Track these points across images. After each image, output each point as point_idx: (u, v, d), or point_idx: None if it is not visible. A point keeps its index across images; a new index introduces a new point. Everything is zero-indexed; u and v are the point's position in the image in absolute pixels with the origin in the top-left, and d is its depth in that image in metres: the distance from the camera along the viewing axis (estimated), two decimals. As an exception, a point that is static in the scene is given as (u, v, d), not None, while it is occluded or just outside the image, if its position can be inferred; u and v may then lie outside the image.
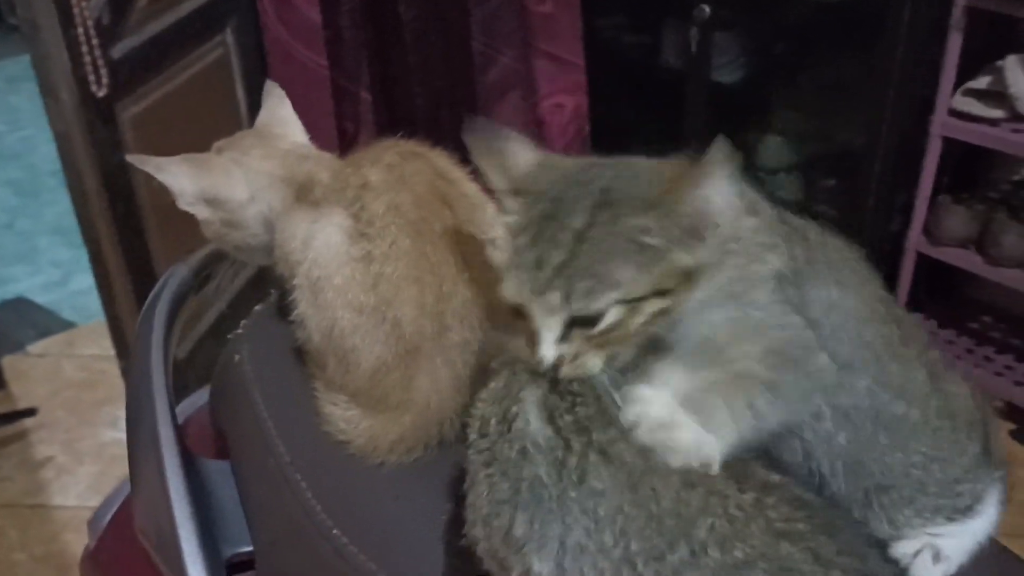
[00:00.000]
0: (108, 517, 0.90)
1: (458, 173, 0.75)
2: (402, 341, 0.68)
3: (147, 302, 0.84)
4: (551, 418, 0.53)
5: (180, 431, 0.77)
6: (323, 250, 0.70)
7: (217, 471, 0.78)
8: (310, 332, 0.72)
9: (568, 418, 0.53)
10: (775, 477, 0.54)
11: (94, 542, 0.89)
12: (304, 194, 0.74)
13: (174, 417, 0.77)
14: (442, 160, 0.75)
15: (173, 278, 0.87)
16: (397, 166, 0.73)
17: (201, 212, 0.77)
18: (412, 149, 0.76)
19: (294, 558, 0.69)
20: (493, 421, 0.54)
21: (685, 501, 0.51)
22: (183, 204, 0.77)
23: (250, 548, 0.73)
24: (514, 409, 0.53)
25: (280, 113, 0.83)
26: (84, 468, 2.06)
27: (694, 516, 0.51)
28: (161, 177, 0.76)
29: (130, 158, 0.77)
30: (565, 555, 0.51)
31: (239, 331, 0.84)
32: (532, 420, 0.53)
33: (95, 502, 0.94)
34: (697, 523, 0.50)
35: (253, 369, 0.79)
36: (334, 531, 0.65)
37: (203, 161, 0.77)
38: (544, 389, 0.54)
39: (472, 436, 0.56)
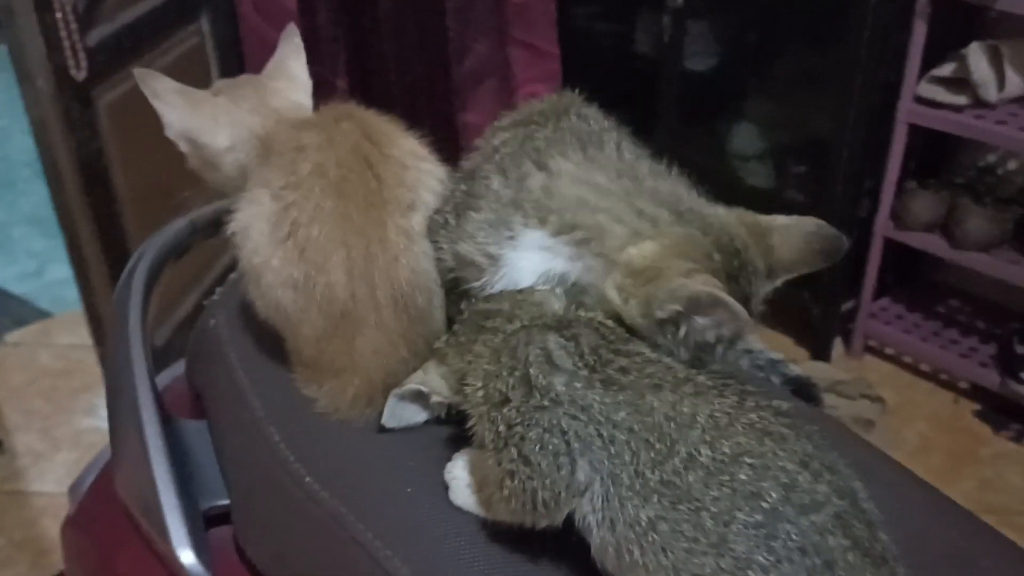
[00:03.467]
0: (88, 484, 0.92)
1: (389, 134, 0.75)
2: (336, 305, 0.69)
3: (126, 269, 0.86)
4: (562, 368, 0.57)
5: (158, 392, 0.79)
6: (259, 239, 0.71)
7: (194, 430, 0.80)
8: (261, 312, 0.73)
9: (572, 362, 0.57)
10: (750, 387, 0.58)
11: (75, 508, 0.91)
12: (267, 155, 0.74)
13: (152, 379, 0.79)
14: (374, 121, 0.75)
15: (151, 246, 0.89)
16: (328, 128, 0.73)
17: (183, 146, 0.78)
18: (347, 111, 0.76)
19: (268, 506, 0.71)
20: (511, 389, 0.57)
21: (678, 408, 0.55)
22: (168, 133, 0.78)
23: (226, 501, 0.75)
24: (532, 372, 0.57)
25: (289, 65, 0.83)
26: (61, 455, 2.06)
27: (687, 421, 0.54)
28: (155, 103, 0.77)
29: (137, 72, 0.77)
30: (607, 484, 0.55)
31: (214, 298, 0.86)
32: (550, 374, 0.57)
33: (72, 488, 0.96)
34: (690, 426, 0.54)
35: (228, 332, 0.80)
36: (307, 479, 0.67)
37: (197, 100, 0.78)
38: (543, 345, 0.58)
39: (483, 410, 0.59)
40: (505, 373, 0.58)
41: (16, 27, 1.63)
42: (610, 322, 0.61)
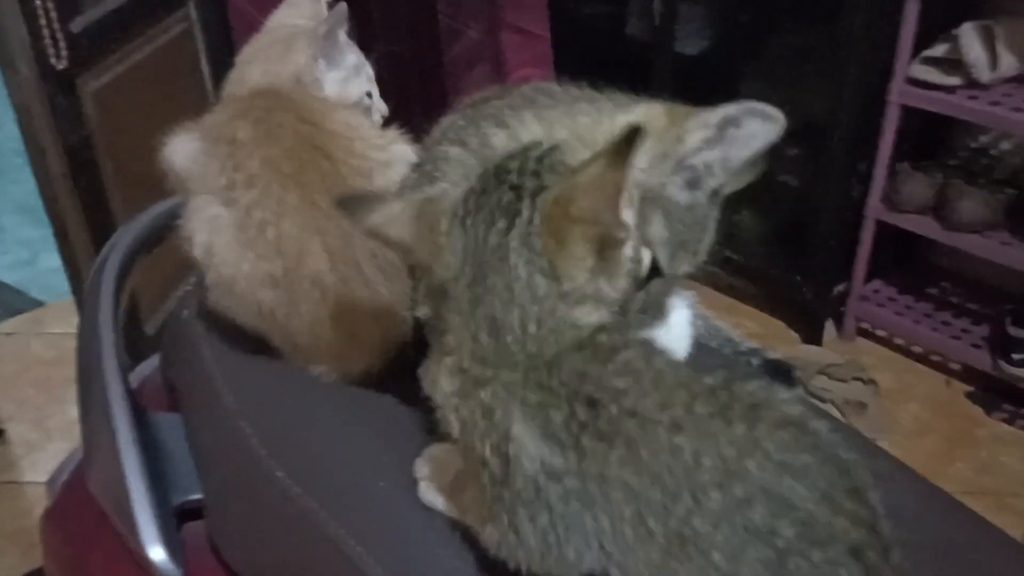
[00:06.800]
0: (64, 477, 0.91)
1: (321, 110, 0.75)
2: (327, 294, 0.69)
3: (97, 261, 0.85)
4: (546, 436, 0.52)
5: (129, 386, 0.78)
6: (224, 251, 0.70)
7: (168, 423, 0.79)
8: (240, 321, 0.73)
9: (559, 421, 0.52)
10: (761, 394, 0.52)
11: (51, 502, 0.90)
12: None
13: (124, 372, 0.78)
14: (302, 101, 0.76)
15: (123, 236, 0.88)
16: (261, 120, 0.73)
17: None
18: (272, 97, 0.76)
19: (241, 502, 0.70)
20: (489, 455, 0.53)
21: (678, 452, 0.50)
22: None
23: (200, 496, 0.75)
24: (511, 448, 0.52)
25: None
26: (54, 445, 2.05)
27: (691, 464, 0.49)
28: None
29: None
30: (605, 549, 0.53)
31: (188, 288, 0.85)
32: (533, 451, 0.52)
33: (65, 479, 0.95)
34: (696, 468, 0.49)
35: (201, 323, 0.79)
36: (279, 474, 0.66)
37: None
38: (523, 411, 0.52)
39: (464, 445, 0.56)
40: (480, 435, 0.53)
41: (-2, 13, 1.62)
42: (602, 337, 0.54)
